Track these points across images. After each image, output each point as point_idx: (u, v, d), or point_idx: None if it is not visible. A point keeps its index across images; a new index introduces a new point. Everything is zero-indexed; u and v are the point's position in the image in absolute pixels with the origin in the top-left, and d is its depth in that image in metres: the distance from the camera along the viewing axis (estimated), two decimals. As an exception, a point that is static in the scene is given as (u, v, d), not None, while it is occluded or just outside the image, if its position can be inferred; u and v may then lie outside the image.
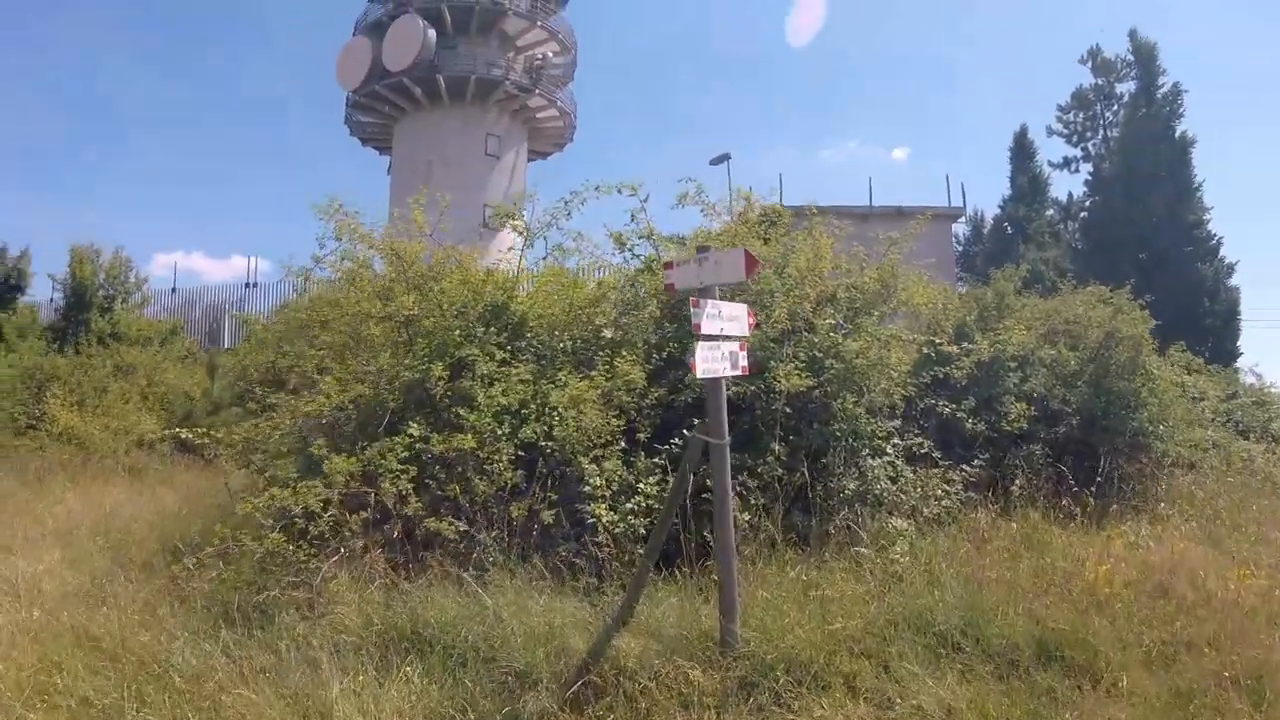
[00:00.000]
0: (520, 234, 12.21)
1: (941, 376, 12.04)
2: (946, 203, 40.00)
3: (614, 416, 9.01)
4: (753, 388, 9.48)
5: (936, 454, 10.65)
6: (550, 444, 8.77)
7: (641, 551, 7.49)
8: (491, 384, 9.32)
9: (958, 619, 6.82)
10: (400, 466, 8.43)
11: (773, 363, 9.63)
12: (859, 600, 7.29)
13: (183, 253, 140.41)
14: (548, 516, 8.28)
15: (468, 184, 41.10)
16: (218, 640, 6.61)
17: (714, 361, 6.77)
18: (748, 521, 8.45)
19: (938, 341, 12.37)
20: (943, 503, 9.96)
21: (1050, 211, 53.79)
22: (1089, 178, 52.29)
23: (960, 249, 51.15)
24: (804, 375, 9.49)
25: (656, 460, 8.78)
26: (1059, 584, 8.06)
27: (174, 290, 39.24)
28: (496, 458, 8.53)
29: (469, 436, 8.62)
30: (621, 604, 6.96)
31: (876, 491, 9.51)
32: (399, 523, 8.28)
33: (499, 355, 9.71)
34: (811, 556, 8.45)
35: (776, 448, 9.15)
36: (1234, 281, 44.69)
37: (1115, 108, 53.33)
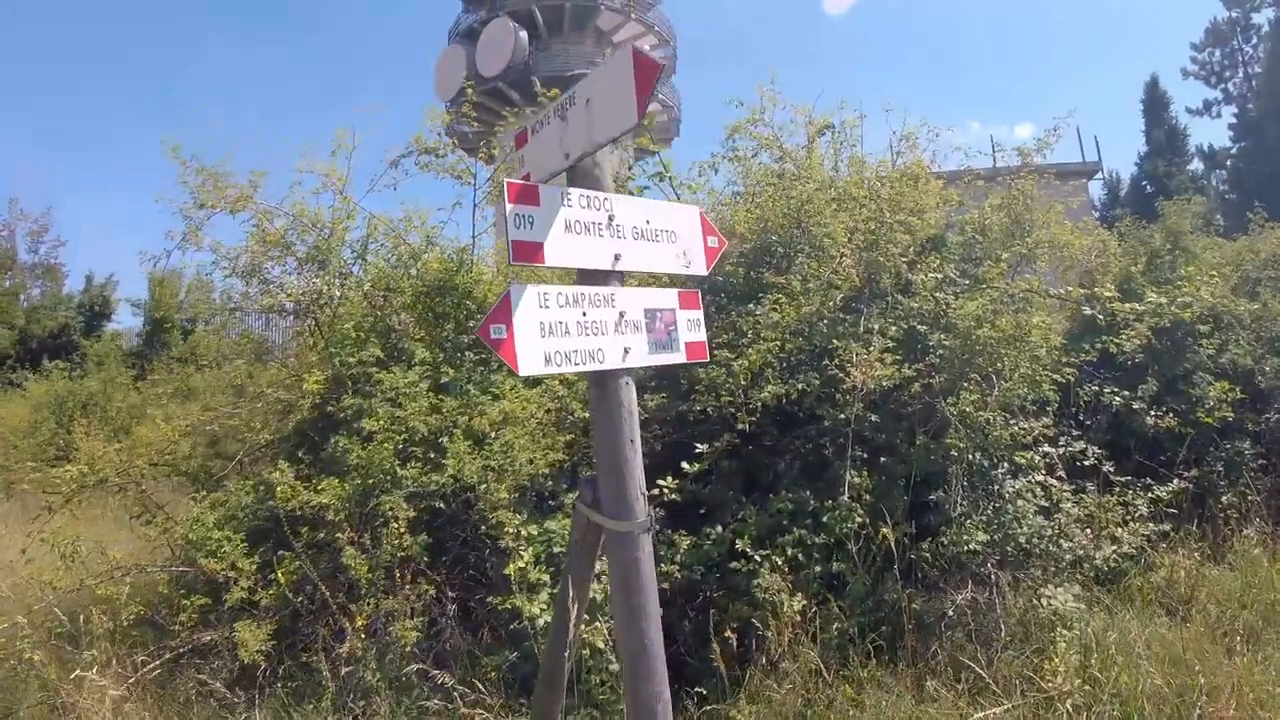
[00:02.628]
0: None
1: (1108, 351, 8.31)
2: (1080, 159, 35.58)
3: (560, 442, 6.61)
4: (810, 384, 6.69)
5: (1108, 466, 7.35)
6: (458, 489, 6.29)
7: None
8: (396, 400, 6.73)
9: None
10: (221, 533, 6.55)
11: (840, 343, 6.72)
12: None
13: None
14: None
15: (570, 186, 40.20)
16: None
17: (594, 337, 3.74)
18: (798, 613, 5.63)
19: (1101, 296, 8.50)
20: (1121, 547, 6.70)
21: (1193, 164, 48.66)
22: (1234, 120, 47.96)
23: (1097, 214, 46.64)
24: (895, 361, 6.65)
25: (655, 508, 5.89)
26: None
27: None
28: (391, 514, 6.02)
29: (337, 484, 6.36)
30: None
31: (1020, 538, 6.32)
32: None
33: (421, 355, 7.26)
34: (908, 672, 5.53)
35: (854, 478, 6.30)
36: None
37: (1254, 40, 49.32)
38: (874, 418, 6.64)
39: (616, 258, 3.80)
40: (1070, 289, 8.93)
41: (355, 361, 7.30)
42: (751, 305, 7.18)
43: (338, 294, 8.71)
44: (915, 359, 6.90)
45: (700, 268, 4.30)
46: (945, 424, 6.58)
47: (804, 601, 5.70)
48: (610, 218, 3.81)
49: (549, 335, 3.46)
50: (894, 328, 6.98)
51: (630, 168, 9.05)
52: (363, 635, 5.74)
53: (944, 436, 6.56)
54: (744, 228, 8.16)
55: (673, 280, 6.59)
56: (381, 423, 6.58)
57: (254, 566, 6.26)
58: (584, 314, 3.61)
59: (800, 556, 5.97)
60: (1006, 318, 7.00)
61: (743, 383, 6.52)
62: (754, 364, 6.53)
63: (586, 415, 6.66)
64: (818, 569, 6.03)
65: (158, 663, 6.20)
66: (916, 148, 9.37)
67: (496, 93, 42.88)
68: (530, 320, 3.41)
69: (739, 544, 5.95)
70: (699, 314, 4.24)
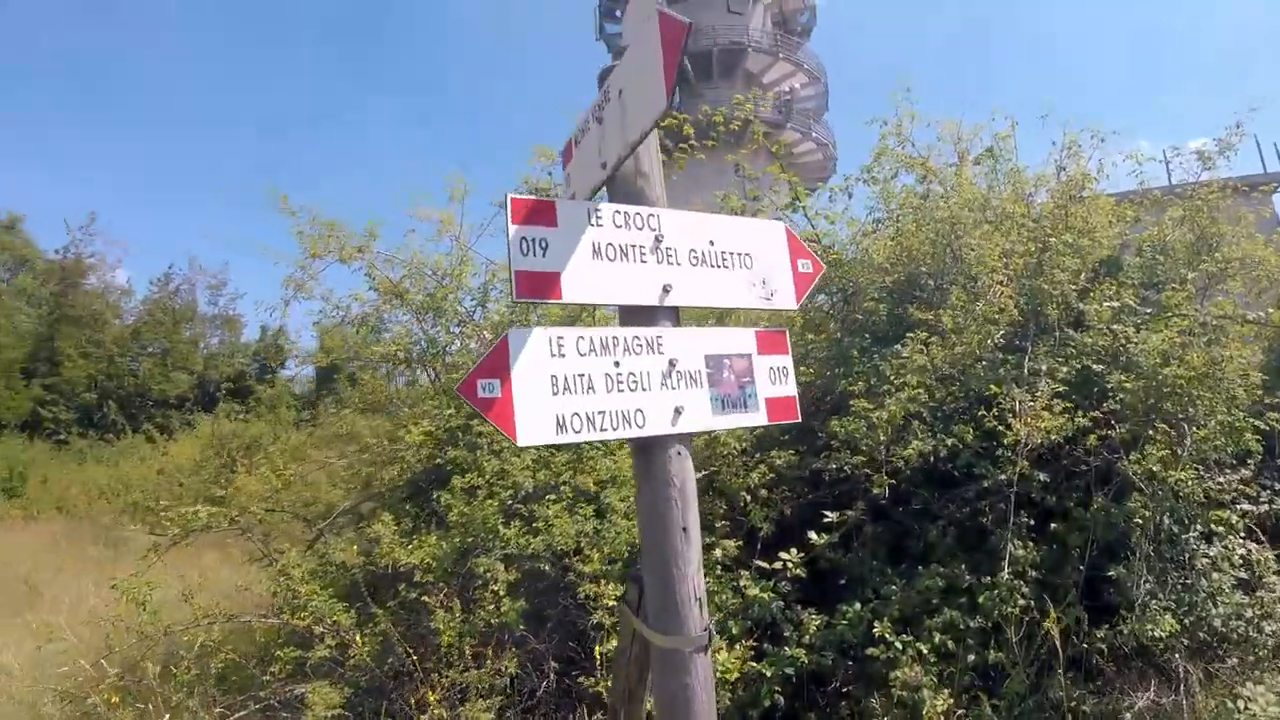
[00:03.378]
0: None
1: None
2: (1262, 169, 31.83)
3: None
4: (964, 439, 5.74)
5: None
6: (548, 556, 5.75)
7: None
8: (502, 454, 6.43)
9: None
10: (309, 587, 6.07)
11: (1000, 389, 5.82)
12: None
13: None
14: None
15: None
16: None
17: (632, 394, 2.96)
18: (942, 713, 4.79)
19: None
20: None
21: None
22: None
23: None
24: (1066, 408, 5.69)
25: (775, 584, 5.43)
26: None
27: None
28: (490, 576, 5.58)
29: (434, 541, 5.96)
30: None
31: (1215, 621, 5.28)
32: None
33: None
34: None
35: (1017, 550, 5.35)
36: None
37: None
38: (1042, 477, 5.66)
39: (666, 290, 2.99)
40: (1271, 311, 7.60)
41: (462, 412, 6.91)
42: (898, 347, 6.26)
43: (457, 343, 8.42)
44: (1090, 405, 5.87)
45: (787, 300, 3.46)
46: (1128, 484, 5.58)
47: (950, 700, 4.83)
48: (657, 238, 3.01)
49: (564, 392, 2.67)
50: (1064, 368, 5.97)
51: (755, 198, 8.28)
52: (443, 708, 5.23)
53: (1126, 499, 5.55)
54: (883, 257, 7.28)
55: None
56: (486, 477, 6.10)
57: (351, 622, 5.86)
58: (616, 364, 2.81)
59: (950, 643, 5.06)
60: (1197, 352, 5.95)
61: (883, 438, 5.61)
62: (895, 416, 5.63)
63: (697, 475, 5.92)
64: (970, 659, 5.09)
65: (242, 713, 5.95)
66: (1080, 157, 8.23)
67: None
68: (536, 373, 2.63)
69: (877, 627, 5.06)
70: (787, 360, 3.37)
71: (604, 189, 3.09)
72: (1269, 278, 8.60)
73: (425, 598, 5.63)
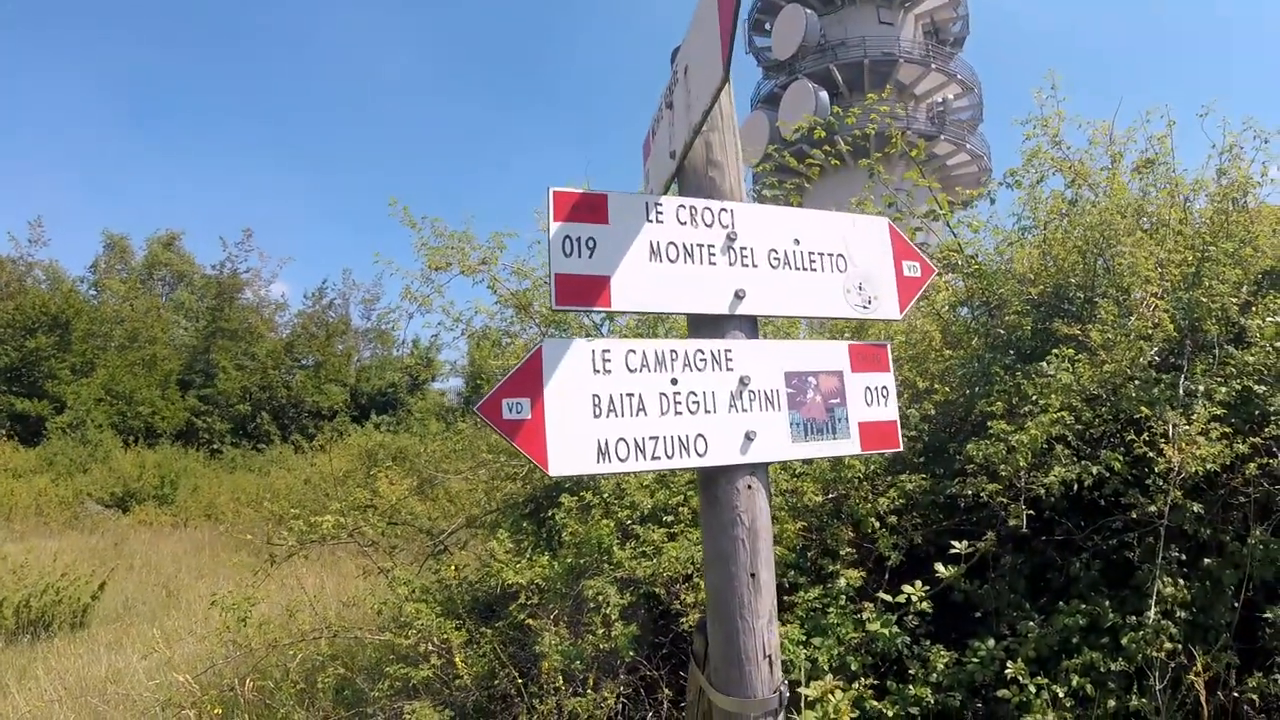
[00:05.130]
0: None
1: None
2: None
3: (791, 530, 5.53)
4: (1110, 466, 5.18)
5: None
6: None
7: None
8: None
9: None
10: (415, 605, 6.08)
11: (1151, 412, 5.25)
12: None
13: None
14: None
15: (881, 248, 41.39)
16: None
17: (692, 416, 2.65)
18: None
19: None
20: None
21: None
22: None
23: None
24: (1224, 434, 5.06)
25: (900, 618, 5.00)
26: None
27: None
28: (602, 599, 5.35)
29: (546, 561, 5.87)
30: None
31: None
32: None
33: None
34: None
35: (1166, 587, 4.78)
36: None
37: None
38: (1195, 508, 5.03)
39: (739, 296, 2.65)
40: None
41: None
42: (1042, 364, 5.78)
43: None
44: (1251, 430, 5.25)
45: (889, 308, 3.09)
46: None
47: None
48: (730, 236, 2.67)
49: (608, 414, 2.36)
50: (1223, 389, 5.34)
51: (892, 204, 7.87)
52: None
53: None
54: (1025, 266, 6.79)
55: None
56: (604, 495, 5.92)
57: (460, 641, 5.71)
58: (674, 381, 2.48)
59: (1089, 688, 4.60)
60: (1378, 372, 5.29)
61: (1022, 463, 5.14)
62: (1036, 440, 5.15)
63: (820, 499, 5.56)
64: (1110, 704, 4.62)
65: None
66: (1242, 160, 7.56)
67: (799, 154, 45.28)
68: (575, 391, 2.33)
69: (1010, 667, 4.60)
70: (888, 379, 2.99)
71: (675, 183, 2.77)
72: None
73: (531, 620, 5.47)
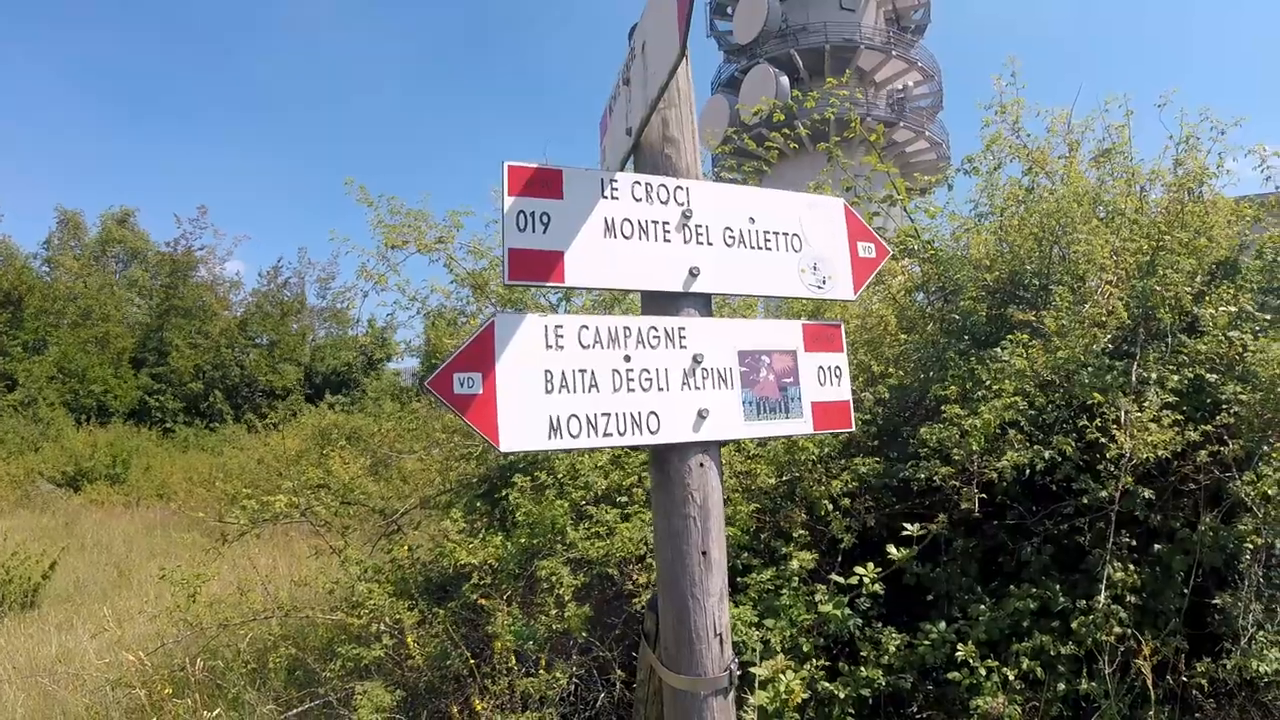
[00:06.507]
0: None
1: None
2: None
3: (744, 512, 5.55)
4: (1062, 452, 5.24)
5: None
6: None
7: None
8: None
9: None
10: (366, 585, 6.11)
11: (1104, 398, 5.30)
12: None
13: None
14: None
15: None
16: None
17: (645, 394, 2.63)
18: None
19: None
20: None
21: None
22: None
23: None
24: (1175, 421, 5.16)
25: (852, 600, 5.05)
26: None
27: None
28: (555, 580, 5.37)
29: (500, 541, 5.85)
30: None
31: None
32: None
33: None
34: None
35: (1116, 572, 4.86)
36: None
37: None
38: (1147, 494, 5.14)
39: (693, 273, 2.67)
40: None
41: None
42: (997, 350, 5.83)
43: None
44: (1202, 418, 5.36)
45: (844, 289, 3.09)
46: (1239, 505, 5.11)
47: None
48: (685, 214, 2.68)
49: (560, 390, 2.37)
50: (1175, 377, 5.44)
51: (849, 189, 7.89)
52: (498, 715, 5.07)
53: (1236, 520, 5.10)
54: (981, 253, 6.84)
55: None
56: (557, 475, 5.93)
57: (412, 621, 5.69)
58: (627, 358, 2.49)
59: (1039, 671, 4.67)
60: (1323, 363, 5.43)
61: (975, 448, 5.19)
62: (989, 424, 5.20)
63: (773, 481, 5.57)
64: (1060, 688, 4.70)
65: (300, 709, 5.89)
66: (1198, 150, 7.67)
67: (759, 138, 45.63)
68: (527, 367, 2.33)
69: (960, 650, 4.67)
70: (841, 359, 3.00)
71: (631, 160, 2.76)
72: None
73: (484, 601, 5.45)
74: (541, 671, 5.06)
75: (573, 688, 5.29)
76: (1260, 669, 4.62)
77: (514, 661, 5.12)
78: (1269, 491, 4.90)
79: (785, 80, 43.08)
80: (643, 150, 2.79)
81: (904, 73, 47.22)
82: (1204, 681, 4.77)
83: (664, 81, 2.39)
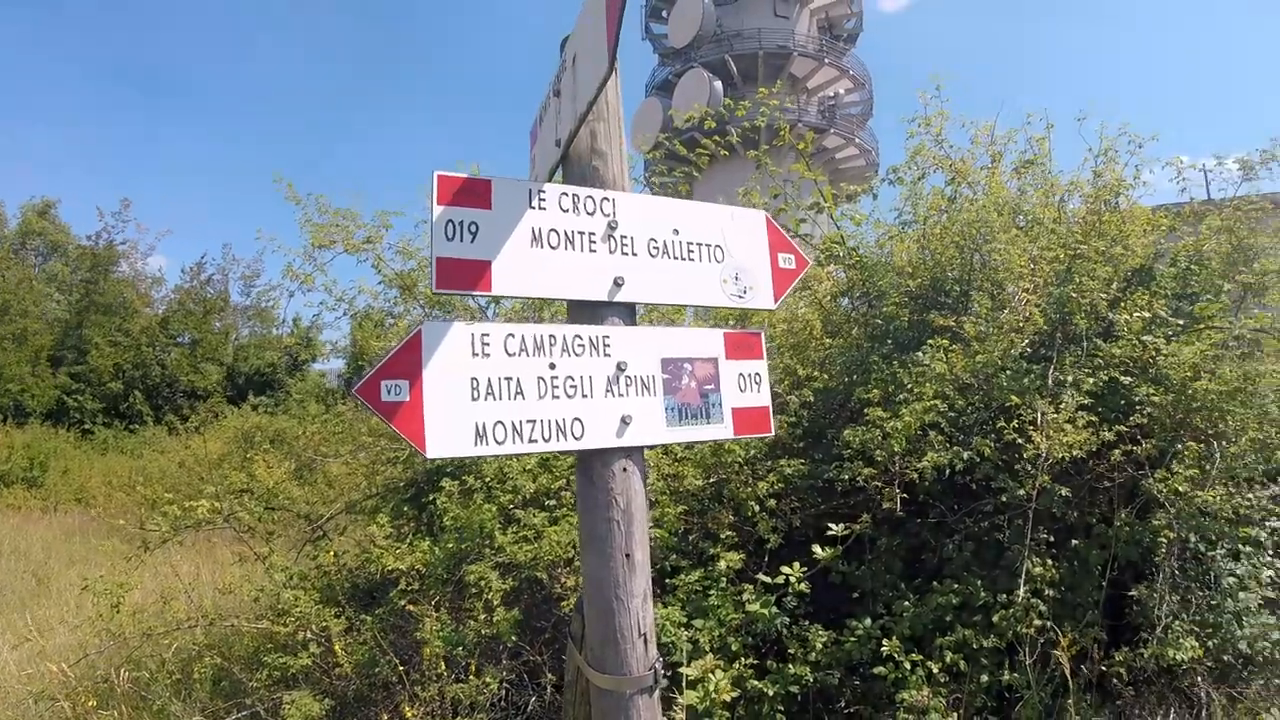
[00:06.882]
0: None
1: None
2: None
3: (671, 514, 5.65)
4: (980, 452, 5.43)
5: None
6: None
7: None
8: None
9: None
10: (292, 592, 5.95)
11: (1020, 400, 5.51)
12: None
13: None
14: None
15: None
16: None
17: (570, 400, 2.69)
18: None
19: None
20: None
21: None
22: None
23: None
24: (1090, 422, 5.33)
25: (779, 599, 5.09)
26: None
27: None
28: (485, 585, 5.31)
29: (428, 547, 5.80)
30: None
31: (1240, 644, 5.10)
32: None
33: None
34: None
35: (1035, 568, 5.05)
36: None
37: None
38: (1064, 492, 5.30)
39: (617, 283, 2.72)
40: None
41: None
42: (919, 354, 5.96)
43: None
44: (1117, 419, 5.57)
45: (764, 298, 3.17)
46: (1153, 501, 5.31)
47: None
48: (611, 225, 2.73)
49: (486, 398, 2.40)
50: (1091, 380, 5.63)
51: (776, 195, 7.98)
52: None
53: (1151, 516, 5.30)
54: (904, 260, 6.98)
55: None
56: (485, 479, 5.91)
57: (340, 628, 5.62)
58: (553, 366, 2.53)
59: (962, 664, 4.80)
60: (1230, 365, 5.69)
61: (896, 449, 5.31)
62: (910, 426, 5.32)
63: (700, 484, 5.64)
64: (983, 680, 4.83)
65: None
66: (1116, 163, 7.91)
67: (692, 142, 45.51)
68: (454, 375, 2.36)
69: (885, 645, 4.80)
70: (761, 366, 3.08)
71: (560, 170, 2.81)
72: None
73: (412, 607, 5.42)
74: (472, 677, 5.05)
75: (504, 693, 5.28)
76: (1176, 657, 4.80)
77: (443, 668, 5.10)
78: (1180, 488, 5.11)
79: (719, 85, 43.27)
80: (571, 161, 2.83)
81: (835, 80, 47.63)
82: (1122, 670, 4.94)
83: (593, 97, 2.45)
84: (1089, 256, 6.42)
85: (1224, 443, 5.48)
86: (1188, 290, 6.73)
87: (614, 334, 2.74)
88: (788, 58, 45.55)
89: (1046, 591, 5.00)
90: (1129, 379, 5.73)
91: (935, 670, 4.73)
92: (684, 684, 4.32)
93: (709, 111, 8.45)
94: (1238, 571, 5.30)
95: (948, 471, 5.38)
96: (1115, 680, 5.03)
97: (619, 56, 2.41)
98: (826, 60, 47.04)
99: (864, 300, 7.23)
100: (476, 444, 2.43)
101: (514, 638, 5.22)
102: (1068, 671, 4.69)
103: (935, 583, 5.26)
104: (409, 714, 4.96)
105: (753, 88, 44.37)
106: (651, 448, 3.50)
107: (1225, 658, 5.08)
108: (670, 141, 8.99)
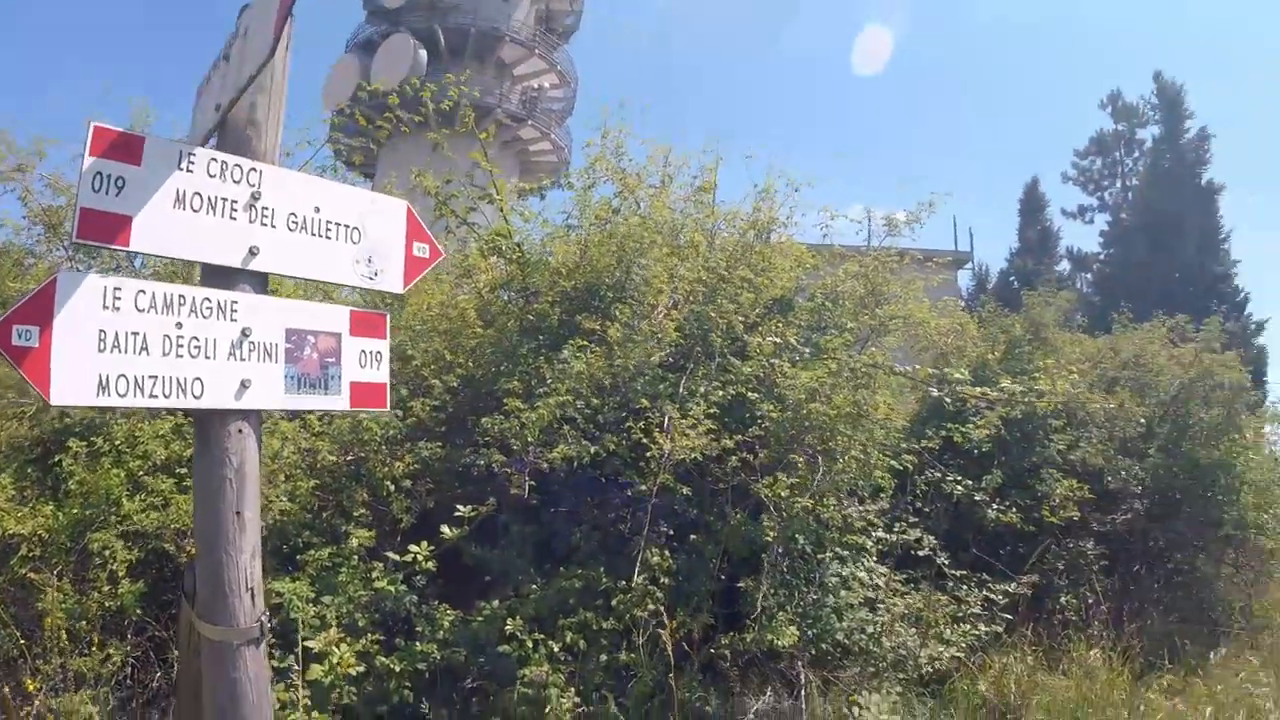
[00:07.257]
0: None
1: (953, 439, 7.73)
2: (953, 247, 35.20)
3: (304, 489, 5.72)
4: (607, 448, 5.90)
5: (944, 558, 6.95)
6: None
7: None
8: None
9: None
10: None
11: (650, 405, 6.05)
12: None
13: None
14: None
15: (450, 214, 40.47)
16: None
17: (192, 360, 2.75)
18: (568, 710, 4.91)
19: (951, 379, 7.88)
20: (949, 650, 6.21)
21: (1062, 265, 48.67)
22: (1105, 228, 48.24)
23: (963, 303, 46.81)
24: (712, 430, 5.86)
25: (408, 578, 5.34)
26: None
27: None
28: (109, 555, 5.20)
29: (51, 511, 5.53)
30: None
31: (838, 634, 5.86)
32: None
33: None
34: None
35: (653, 557, 5.52)
36: (1261, 340, 37.82)
37: (1136, 155, 48.97)
38: (685, 490, 5.82)
39: (252, 252, 2.85)
40: (918, 368, 8.33)
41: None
42: (565, 352, 6.27)
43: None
44: (739, 429, 6.11)
45: (393, 282, 3.37)
46: (762, 504, 5.91)
47: (578, 698, 4.95)
48: (254, 195, 2.85)
49: (112, 350, 2.47)
50: (720, 392, 6.17)
51: (449, 181, 8.06)
52: (49, 697, 4.79)
53: (761, 517, 5.90)
54: (559, 261, 7.29)
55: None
56: (115, 442, 5.65)
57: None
58: (179, 325, 2.63)
59: (582, 643, 5.13)
60: (844, 394, 6.33)
61: (530, 439, 5.61)
62: (544, 418, 5.63)
63: (336, 459, 5.72)
64: (602, 659, 5.20)
65: None
66: (774, 202, 8.61)
67: (385, 108, 43.59)
68: (83, 325, 2.42)
69: (509, 625, 5.04)
70: (383, 345, 3.27)
71: (217, 134, 2.88)
72: (929, 340, 9.53)
73: (34, 575, 5.13)
74: (95, 650, 4.89)
75: (130, 669, 5.13)
76: (778, 643, 5.36)
77: (66, 640, 4.89)
78: (783, 494, 5.74)
79: (424, 54, 41.52)
80: (228, 128, 2.90)
81: (543, 73, 47.08)
82: (727, 652, 5.47)
83: (254, 73, 2.55)
84: (733, 281, 6.97)
85: (830, 459, 6.11)
86: (820, 324, 7.44)
87: (242, 300, 2.83)
88: (499, 41, 44.39)
89: (663, 580, 5.39)
90: (755, 395, 6.32)
91: (557, 649, 5.01)
92: (306, 658, 4.38)
93: (408, 88, 8.43)
94: (842, 572, 6.00)
95: (577, 464, 5.73)
96: (722, 661, 5.51)
97: (297, 17, 2.50)
98: (537, 51, 46.35)
99: (521, 295, 7.43)
100: (99, 394, 2.47)
101: (139, 611, 5.10)
102: (670, 651, 5.06)
103: (563, 568, 5.57)
104: (31, 687, 4.74)
105: (459, 63, 42.49)
106: (269, 412, 3.57)
107: (824, 646, 5.70)
108: (353, 110, 8.87)
